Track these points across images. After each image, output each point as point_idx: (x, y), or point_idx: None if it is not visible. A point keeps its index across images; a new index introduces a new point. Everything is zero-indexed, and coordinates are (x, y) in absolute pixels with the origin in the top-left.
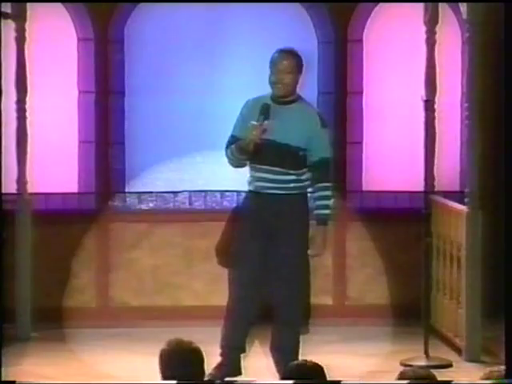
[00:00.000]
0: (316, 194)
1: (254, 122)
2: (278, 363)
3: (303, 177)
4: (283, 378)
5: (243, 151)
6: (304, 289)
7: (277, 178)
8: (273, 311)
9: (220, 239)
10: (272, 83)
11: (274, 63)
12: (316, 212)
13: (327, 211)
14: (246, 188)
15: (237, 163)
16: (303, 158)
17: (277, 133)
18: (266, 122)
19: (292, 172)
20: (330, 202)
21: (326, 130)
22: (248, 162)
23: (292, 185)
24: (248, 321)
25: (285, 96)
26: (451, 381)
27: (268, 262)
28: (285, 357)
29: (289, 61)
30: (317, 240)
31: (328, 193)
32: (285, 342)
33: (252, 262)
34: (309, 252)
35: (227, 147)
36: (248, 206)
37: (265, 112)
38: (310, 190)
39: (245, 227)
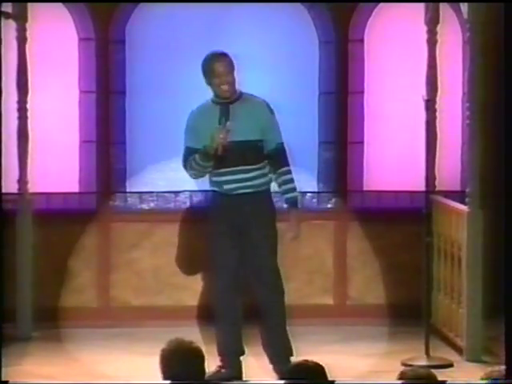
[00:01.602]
0: (280, 180)
1: (218, 126)
2: (273, 361)
3: (266, 170)
4: (284, 377)
5: (209, 157)
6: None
7: (243, 176)
8: (259, 311)
9: (180, 251)
10: (217, 86)
11: (213, 67)
12: (286, 196)
13: (295, 193)
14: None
15: (201, 173)
16: (262, 149)
17: (234, 132)
18: (228, 123)
19: (255, 167)
20: (295, 184)
21: (274, 116)
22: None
23: (258, 181)
24: (239, 323)
25: (232, 95)
26: (445, 381)
27: (246, 261)
28: (280, 354)
29: (226, 61)
30: (293, 223)
31: (291, 176)
32: (276, 340)
33: (232, 265)
34: (288, 236)
35: (186, 160)
36: (219, 210)
37: (225, 113)
38: (273, 176)
39: (220, 232)
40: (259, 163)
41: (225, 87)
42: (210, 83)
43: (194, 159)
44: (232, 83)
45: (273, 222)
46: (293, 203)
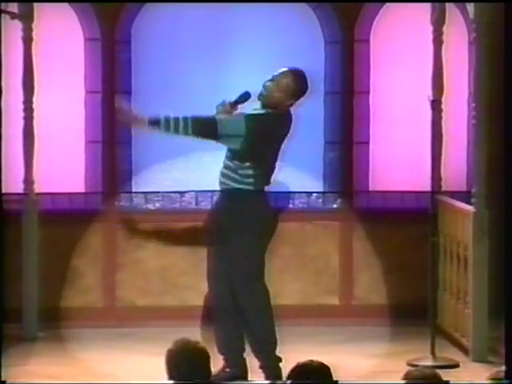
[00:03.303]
0: None
1: (226, 101)
2: (258, 356)
3: (244, 171)
4: (288, 377)
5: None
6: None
7: (225, 172)
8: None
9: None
10: (261, 88)
11: (274, 73)
12: None
13: None
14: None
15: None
16: (246, 152)
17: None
18: (237, 106)
19: (235, 165)
20: None
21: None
22: None
23: (234, 176)
24: (238, 321)
25: (265, 105)
26: (448, 381)
27: (228, 258)
28: (264, 346)
29: (285, 80)
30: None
31: None
32: (260, 331)
33: (223, 264)
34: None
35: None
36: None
37: (242, 97)
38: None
39: (208, 229)
40: (240, 163)
41: (261, 97)
42: (292, 104)
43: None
44: (270, 97)
45: (248, 223)
46: None
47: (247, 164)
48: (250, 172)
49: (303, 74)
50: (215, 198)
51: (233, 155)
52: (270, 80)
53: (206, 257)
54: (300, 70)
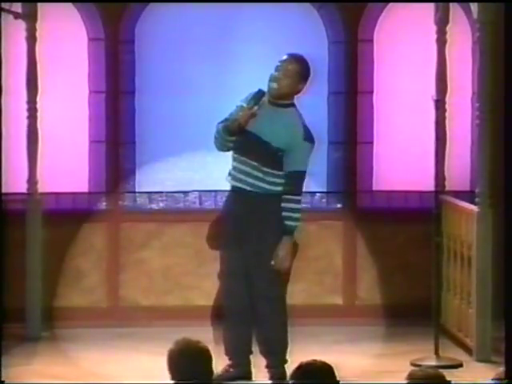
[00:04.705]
0: (283, 205)
1: (244, 104)
2: (268, 366)
3: (278, 180)
4: (291, 377)
5: (228, 129)
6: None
7: (251, 172)
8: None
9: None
10: (268, 82)
11: (278, 63)
12: (284, 222)
13: (292, 223)
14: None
15: (220, 143)
16: (281, 160)
17: (261, 129)
18: (255, 107)
19: (266, 170)
20: (297, 215)
21: (309, 145)
22: (232, 152)
23: (263, 184)
24: (248, 322)
25: (277, 98)
26: (451, 381)
27: (244, 260)
28: (275, 348)
29: (291, 66)
30: (279, 253)
31: (293, 205)
32: (273, 334)
33: (239, 266)
34: (272, 263)
35: (216, 126)
36: (227, 200)
37: (257, 97)
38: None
39: (224, 230)
40: (273, 169)
41: (273, 86)
42: (302, 89)
43: (219, 126)
44: (281, 87)
45: (272, 223)
46: (286, 231)
47: (282, 172)
48: (281, 178)
49: (304, 58)
50: (223, 198)
51: (269, 165)
52: (275, 71)
53: (220, 257)
54: (299, 54)
